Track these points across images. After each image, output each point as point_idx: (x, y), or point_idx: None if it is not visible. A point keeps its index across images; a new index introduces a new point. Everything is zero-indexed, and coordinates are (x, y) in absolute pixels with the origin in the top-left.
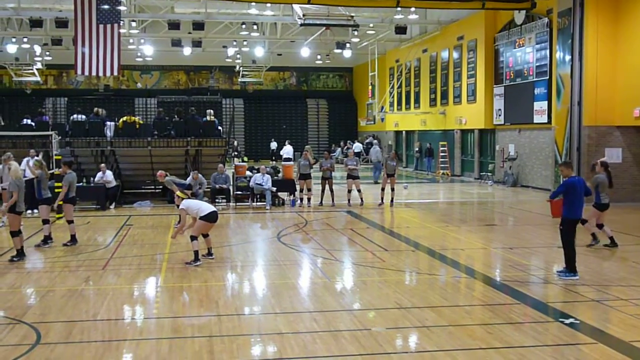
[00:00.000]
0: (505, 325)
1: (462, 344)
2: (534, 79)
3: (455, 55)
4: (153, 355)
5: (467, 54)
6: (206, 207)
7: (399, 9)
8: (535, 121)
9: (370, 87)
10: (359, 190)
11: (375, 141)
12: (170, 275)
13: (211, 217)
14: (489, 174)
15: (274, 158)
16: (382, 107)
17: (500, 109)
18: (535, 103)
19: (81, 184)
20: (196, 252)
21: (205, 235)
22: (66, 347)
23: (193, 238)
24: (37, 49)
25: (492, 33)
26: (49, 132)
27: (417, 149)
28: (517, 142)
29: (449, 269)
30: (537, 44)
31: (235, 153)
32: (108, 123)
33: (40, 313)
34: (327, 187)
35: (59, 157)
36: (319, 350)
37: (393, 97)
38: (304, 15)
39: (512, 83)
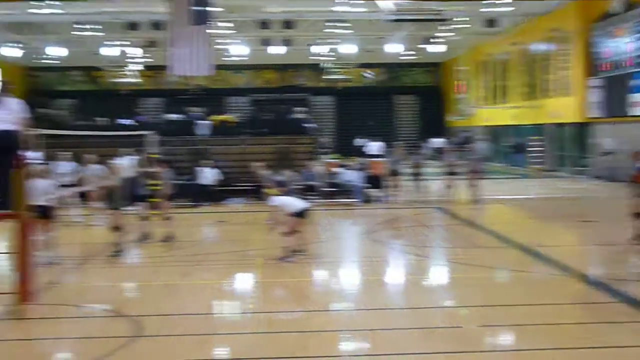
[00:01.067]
0: (602, 325)
1: (558, 343)
2: (632, 70)
3: (547, 47)
4: (249, 349)
5: (560, 45)
6: (297, 204)
7: (488, 1)
8: (632, 114)
9: (459, 82)
10: (450, 187)
11: (472, 136)
12: (264, 271)
13: (302, 214)
14: (584, 168)
15: (363, 155)
16: (472, 102)
17: (596, 102)
18: (632, 95)
19: (177, 181)
20: (289, 249)
21: (297, 232)
22: (166, 340)
23: (286, 234)
24: (134, 51)
25: (586, 24)
26: (146, 132)
27: (511, 144)
28: (614, 135)
29: (542, 266)
30: (636, 34)
31: (325, 150)
32: (202, 122)
33: (139, 307)
34: (418, 183)
35: (156, 156)
36: (411, 347)
37: (483, 91)
38: (392, 11)
39: (608, 75)
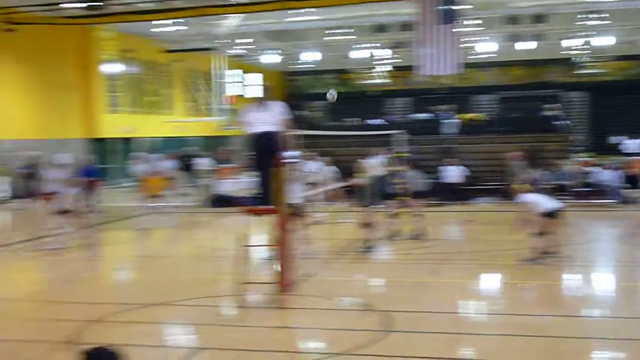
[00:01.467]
0: None
1: None
2: None
3: None
4: (498, 351)
5: None
6: (548, 203)
7: None
8: None
9: None
10: None
11: None
12: (512, 272)
13: (553, 214)
14: None
15: (620, 153)
16: None
17: None
18: None
19: (426, 180)
20: (539, 250)
21: (548, 233)
22: (417, 336)
23: (536, 235)
24: (383, 52)
25: None
26: (394, 131)
27: None
28: None
29: None
30: None
31: (578, 148)
32: (451, 120)
33: (390, 302)
34: None
35: (403, 155)
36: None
37: None
38: None
39: None
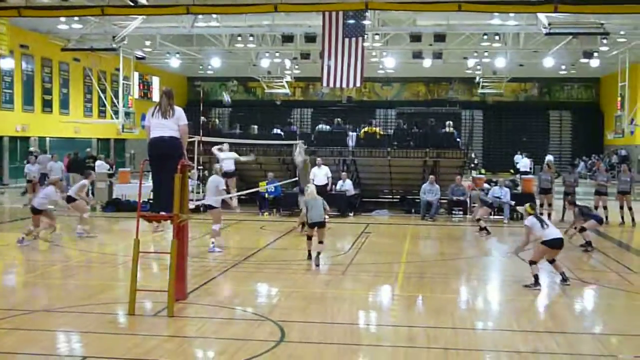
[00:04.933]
0: None
1: None
2: None
3: None
4: None
5: None
6: (552, 232)
7: None
8: None
9: (619, 99)
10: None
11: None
12: (407, 284)
13: (556, 244)
14: None
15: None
16: (633, 120)
17: None
18: None
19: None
20: (536, 276)
21: (552, 261)
22: (307, 347)
23: (532, 263)
24: (287, 62)
25: None
26: (297, 141)
27: None
28: None
29: None
30: None
31: (473, 165)
32: (350, 133)
33: (284, 312)
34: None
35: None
36: None
37: None
38: (549, 25)
39: None
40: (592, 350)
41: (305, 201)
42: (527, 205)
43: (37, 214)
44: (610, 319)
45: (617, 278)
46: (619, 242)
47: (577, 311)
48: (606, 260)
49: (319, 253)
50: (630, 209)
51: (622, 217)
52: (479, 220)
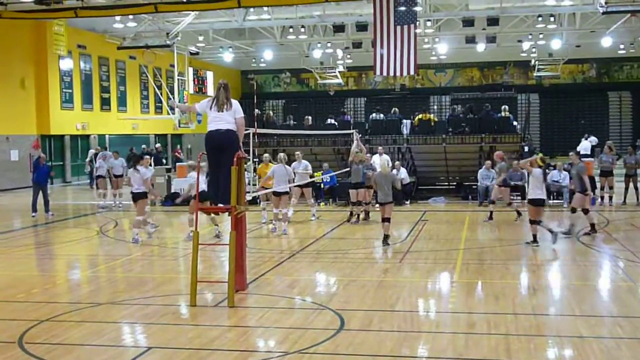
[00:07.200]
0: None
1: None
2: None
3: None
4: (449, 349)
5: None
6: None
7: None
8: None
9: None
10: None
11: None
12: (465, 271)
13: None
14: None
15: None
16: None
17: None
18: None
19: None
20: (534, 235)
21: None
22: (367, 335)
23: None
24: (339, 52)
25: None
26: (351, 131)
27: None
28: None
29: None
30: None
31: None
32: (404, 121)
33: (343, 301)
34: (631, 184)
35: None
36: (624, 357)
37: None
38: (606, 3)
39: None
40: None
41: (374, 177)
42: (539, 156)
43: (137, 199)
44: None
45: None
46: None
47: None
48: None
49: (386, 236)
50: None
51: None
52: (493, 202)
